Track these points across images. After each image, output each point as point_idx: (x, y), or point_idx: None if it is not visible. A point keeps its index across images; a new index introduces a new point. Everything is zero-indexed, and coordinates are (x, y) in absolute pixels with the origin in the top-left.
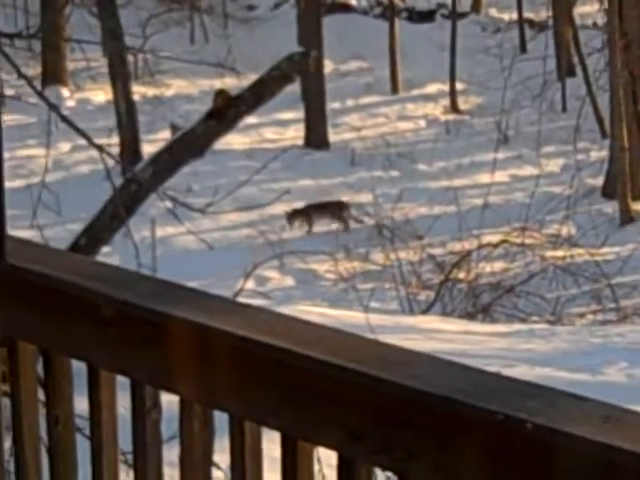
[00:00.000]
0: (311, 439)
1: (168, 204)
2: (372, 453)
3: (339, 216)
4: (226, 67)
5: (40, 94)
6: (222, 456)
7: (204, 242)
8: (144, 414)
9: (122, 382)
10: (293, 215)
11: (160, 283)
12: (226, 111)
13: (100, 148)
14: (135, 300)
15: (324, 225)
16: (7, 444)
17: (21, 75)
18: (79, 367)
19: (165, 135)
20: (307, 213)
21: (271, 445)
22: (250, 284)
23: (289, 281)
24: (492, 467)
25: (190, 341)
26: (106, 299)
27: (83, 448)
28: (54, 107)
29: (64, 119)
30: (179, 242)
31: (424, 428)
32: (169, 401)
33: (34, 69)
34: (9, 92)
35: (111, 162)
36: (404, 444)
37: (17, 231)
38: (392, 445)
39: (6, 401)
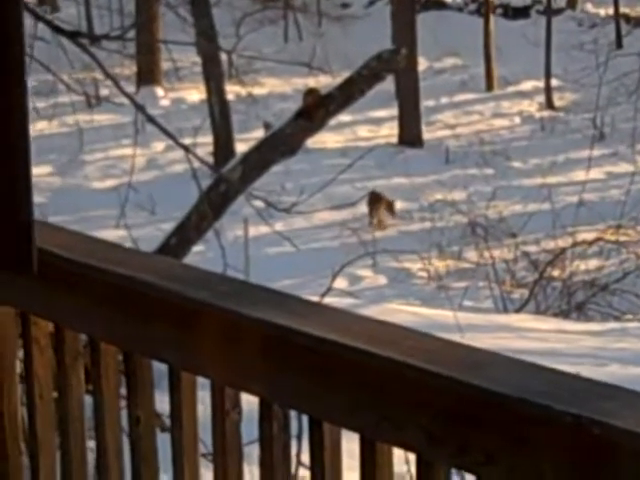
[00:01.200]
0: (389, 441)
1: (257, 204)
2: (450, 455)
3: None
4: (313, 66)
5: (126, 94)
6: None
7: (290, 242)
8: (224, 415)
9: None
10: (373, 199)
11: (239, 284)
12: (316, 110)
13: (186, 148)
14: (214, 301)
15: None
16: (91, 444)
17: (108, 75)
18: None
19: (258, 134)
20: (382, 201)
21: (352, 445)
22: (343, 283)
23: (382, 280)
24: (567, 469)
25: (268, 343)
26: (185, 300)
27: (165, 448)
28: (141, 107)
29: (150, 119)
30: (272, 241)
31: (500, 430)
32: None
33: (130, 69)
34: (105, 92)
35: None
36: (481, 446)
37: (104, 231)
38: (470, 447)
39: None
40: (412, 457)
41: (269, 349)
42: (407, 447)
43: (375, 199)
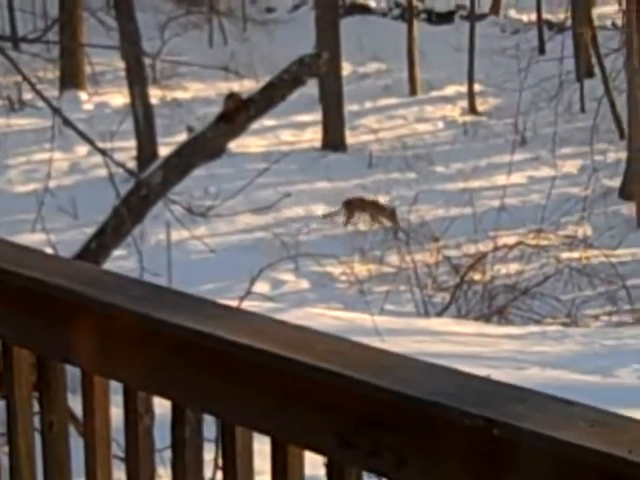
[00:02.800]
0: (301, 444)
1: (179, 208)
2: (362, 458)
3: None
4: (236, 71)
5: (44, 98)
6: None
7: (207, 247)
8: (137, 419)
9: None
10: (352, 204)
11: (154, 288)
12: (237, 114)
13: (104, 152)
14: (128, 305)
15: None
16: (5, 448)
17: (25, 79)
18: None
19: (182, 138)
20: (363, 207)
21: (265, 447)
22: (265, 287)
23: (304, 284)
24: (478, 473)
25: (181, 347)
26: (99, 304)
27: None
28: (57, 111)
29: (67, 123)
30: (195, 245)
31: (413, 433)
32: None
33: (53, 73)
34: (28, 96)
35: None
36: (393, 449)
37: (23, 235)
38: (382, 450)
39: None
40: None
41: (182, 353)
42: (319, 450)
43: (352, 206)
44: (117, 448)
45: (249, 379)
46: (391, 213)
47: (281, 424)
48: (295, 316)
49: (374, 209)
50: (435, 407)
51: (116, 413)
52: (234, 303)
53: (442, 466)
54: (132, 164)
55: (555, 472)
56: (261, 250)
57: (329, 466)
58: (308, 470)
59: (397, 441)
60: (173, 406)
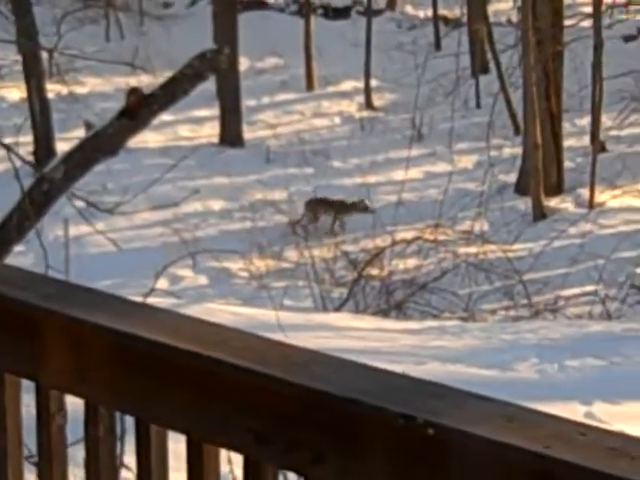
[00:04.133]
0: (217, 442)
1: (79, 204)
2: (278, 455)
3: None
4: (136, 65)
5: None
6: (133, 457)
7: (113, 242)
8: (49, 419)
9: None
10: (315, 205)
11: (65, 285)
12: (139, 109)
13: (7, 147)
14: (39, 303)
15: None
16: None
17: None
18: None
19: (79, 133)
20: (333, 206)
21: (180, 445)
22: (163, 283)
23: (202, 280)
24: (396, 469)
25: (94, 344)
26: (9, 302)
27: None
28: None
29: None
30: (94, 242)
31: (329, 430)
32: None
33: None
34: None
35: (21, 162)
36: (310, 446)
37: None
38: (298, 447)
39: None
40: (235, 457)
41: (95, 351)
42: (234, 448)
43: (315, 207)
44: (27, 449)
45: (164, 377)
46: (364, 207)
47: (196, 422)
48: (195, 312)
49: (341, 208)
50: (351, 404)
51: (27, 412)
52: (137, 299)
53: (361, 464)
54: (29, 159)
55: (473, 468)
56: (160, 246)
57: (245, 463)
58: (224, 467)
59: (313, 438)
60: (86, 404)
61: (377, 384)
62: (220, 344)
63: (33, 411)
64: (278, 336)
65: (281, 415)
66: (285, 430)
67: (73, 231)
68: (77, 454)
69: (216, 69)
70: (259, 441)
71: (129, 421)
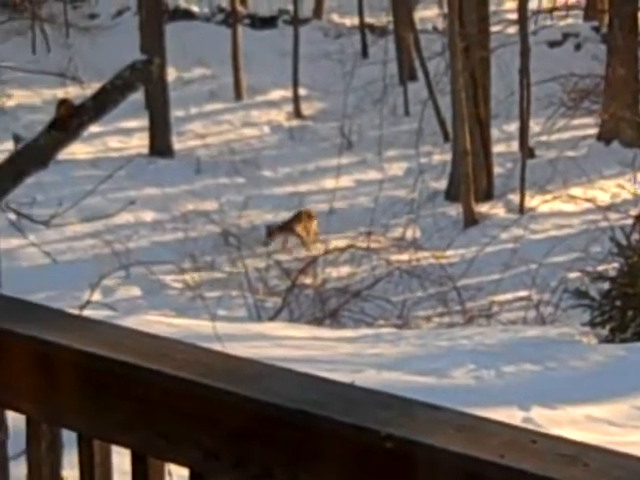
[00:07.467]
0: (162, 457)
1: (11, 216)
2: (226, 470)
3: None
4: (68, 76)
5: None
6: (73, 471)
7: (48, 255)
8: None
9: None
10: (275, 231)
11: (0, 298)
12: (69, 121)
13: None
14: None
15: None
16: None
17: None
18: None
19: (8, 146)
20: (291, 229)
21: (124, 458)
22: (96, 295)
23: (135, 291)
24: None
25: (33, 358)
26: None
27: None
28: None
29: None
30: (25, 255)
31: (279, 443)
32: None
33: None
34: None
35: None
36: (259, 460)
37: None
38: (247, 461)
39: None
40: (174, 469)
41: (35, 366)
42: (181, 462)
43: (280, 231)
44: None
45: (107, 391)
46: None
47: (141, 437)
48: (130, 324)
49: (293, 224)
50: (300, 416)
51: None
52: (73, 312)
53: (311, 476)
54: None
55: (422, 477)
56: (92, 258)
57: (191, 477)
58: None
59: (262, 452)
60: (27, 420)
61: (326, 395)
62: (164, 356)
63: None
64: (216, 346)
65: (230, 428)
66: (234, 444)
67: (3, 244)
68: (18, 470)
69: (147, 80)
70: (207, 456)
71: (68, 434)
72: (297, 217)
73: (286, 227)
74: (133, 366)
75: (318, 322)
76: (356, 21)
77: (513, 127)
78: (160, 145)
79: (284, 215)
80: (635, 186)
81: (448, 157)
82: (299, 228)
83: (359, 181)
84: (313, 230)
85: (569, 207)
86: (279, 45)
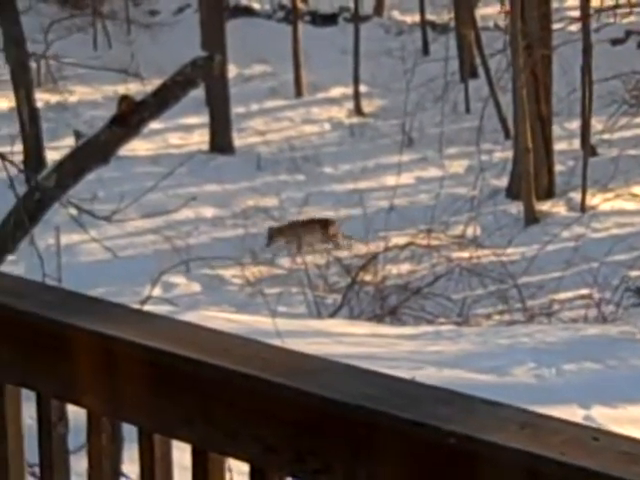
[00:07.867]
0: (223, 451)
1: (73, 212)
2: (285, 464)
3: (326, 234)
4: (129, 73)
5: None
6: (132, 466)
7: (109, 250)
8: (50, 428)
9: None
10: (276, 233)
11: (64, 293)
12: (130, 117)
13: (2, 156)
14: (38, 311)
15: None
16: None
17: None
18: None
19: (69, 142)
20: (294, 231)
21: (184, 454)
22: (156, 291)
23: (196, 287)
24: (406, 476)
25: (96, 353)
26: (7, 311)
27: None
28: None
29: None
30: (85, 250)
31: (338, 438)
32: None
33: None
34: None
35: (14, 170)
36: (318, 455)
37: None
38: (306, 456)
39: None
40: (234, 465)
41: (97, 360)
42: (241, 457)
43: (279, 233)
44: (31, 456)
45: (169, 386)
46: (325, 223)
47: (201, 431)
48: (190, 319)
49: (302, 228)
50: (360, 411)
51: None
52: (135, 307)
53: (369, 471)
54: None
55: (484, 474)
56: (152, 253)
57: (252, 473)
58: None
59: (321, 446)
60: (88, 414)
61: (386, 390)
62: (224, 352)
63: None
64: (276, 343)
65: (290, 423)
66: (294, 439)
67: (64, 239)
68: (79, 463)
69: (208, 75)
70: (266, 450)
71: (128, 429)
72: (306, 223)
73: (289, 231)
74: (195, 361)
75: (378, 319)
76: (417, 18)
77: (575, 125)
78: (220, 142)
79: (344, 212)
80: None
81: (509, 155)
82: (304, 232)
83: (420, 178)
84: (331, 234)
85: (631, 205)
86: (340, 42)
